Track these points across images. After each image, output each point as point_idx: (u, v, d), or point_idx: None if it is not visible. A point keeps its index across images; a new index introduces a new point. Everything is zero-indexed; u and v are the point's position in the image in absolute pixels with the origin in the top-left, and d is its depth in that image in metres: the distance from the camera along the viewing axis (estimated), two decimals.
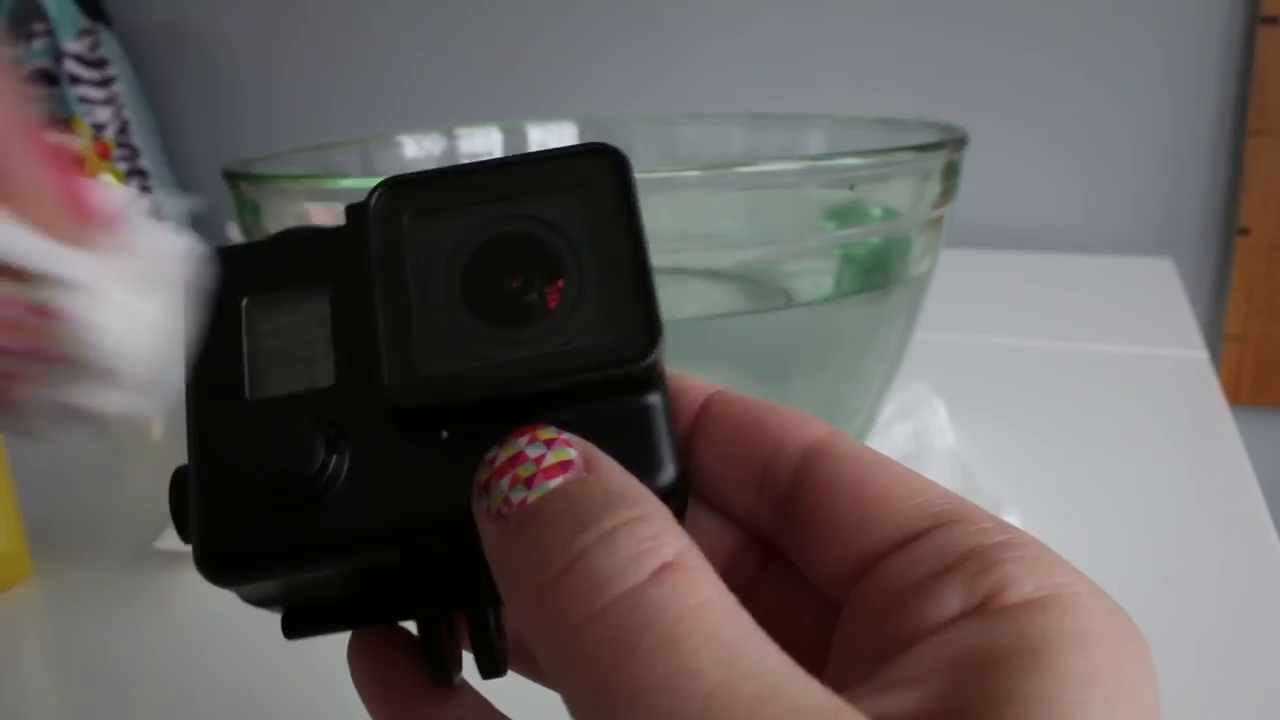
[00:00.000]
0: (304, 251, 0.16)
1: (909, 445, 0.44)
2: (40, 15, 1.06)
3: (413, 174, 0.16)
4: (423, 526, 0.15)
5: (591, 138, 0.54)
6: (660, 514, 0.13)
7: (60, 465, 0.51)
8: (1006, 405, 0.51)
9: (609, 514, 0.13)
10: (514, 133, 0.53)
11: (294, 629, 0.17)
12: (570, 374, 0.15)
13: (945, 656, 0.13)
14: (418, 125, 0.52)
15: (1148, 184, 0.85)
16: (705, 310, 0.37)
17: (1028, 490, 0.41)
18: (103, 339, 0.12)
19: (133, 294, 0.12)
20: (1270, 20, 0.77)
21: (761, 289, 0.38)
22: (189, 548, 0.42)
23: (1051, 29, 0.84)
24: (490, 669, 0.17)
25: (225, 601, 0.39)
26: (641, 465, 0.15)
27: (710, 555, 0.17)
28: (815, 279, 0.38)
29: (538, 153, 0.16)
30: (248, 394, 0.16)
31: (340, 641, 0.18)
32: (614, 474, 0.14)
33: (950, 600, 0.13)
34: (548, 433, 0.14)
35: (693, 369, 0.36)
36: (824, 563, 0.15)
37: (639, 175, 0.33)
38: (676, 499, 0.15)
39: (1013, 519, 0.37)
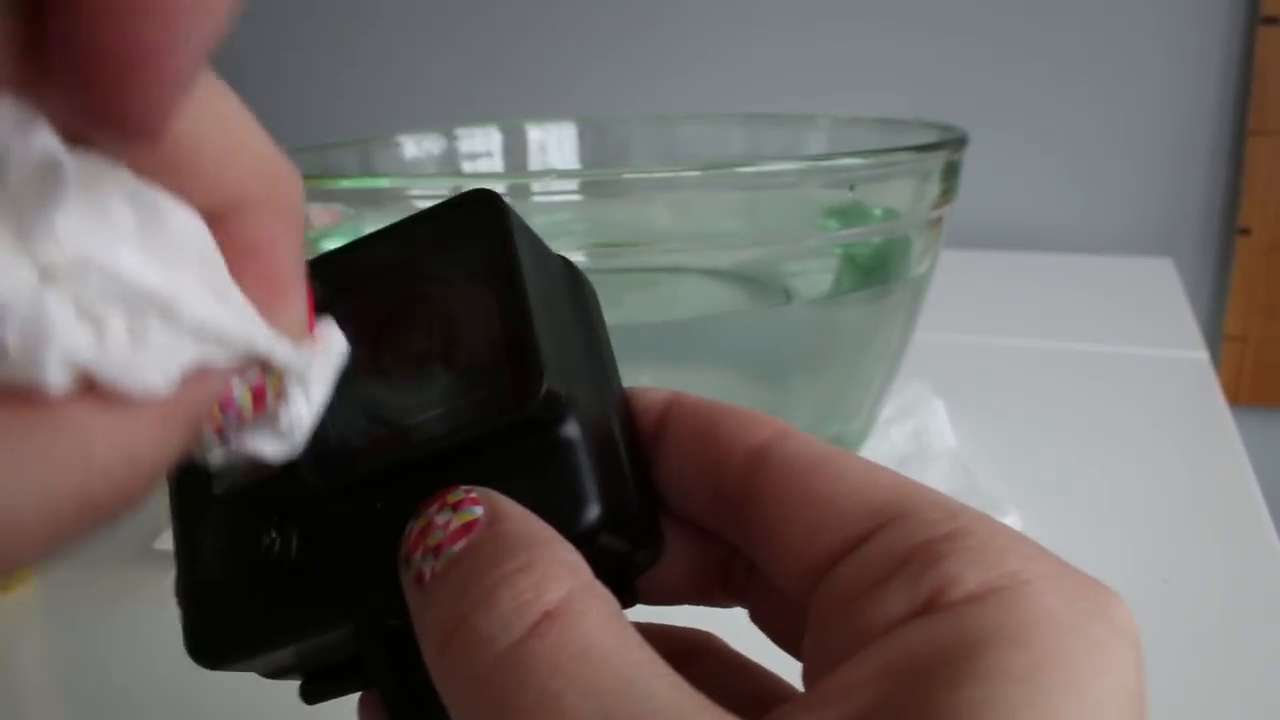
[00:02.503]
0: None
1: (909, 446, 0.44)
2: None
3: (318, 256, 0.17)
4: (363, 598, 0.15)
5: (591, 138, 0.54)
6: (548, 557, 0.13)
7: None
8: (1006, 406, 0.51)
9: (494, 568, 0.13)
10: (513, 133, 0.53)
11: (311, 695, 0.18)
12: (465, 429, 0.15)
13: (882, 663, 0.12)
14: (418, 125, 0.52)
15: (1147, 184, 0.85)
16: (705, 310, 0.37)
17: (1027, 491, 0.41)
18: (298, 414, 0.14)
19: (323, 381, 0.14)
20: (1270, 20, 0.77)
21: (761, 289, 0.38)
22: None
23: (1051, 29, 0.84)
24: None
25: None
26: (562, 506, 0.15)
27: (696, 563, 0.17)
28: (815, 279, 0.38)
29: (425, 212, 0.16)
30: (215, 489, 0.16)
31: None
32: (514, 524, 0.14)
33: (895, 603, 0.13)
34: (455, 495, 0.14)
35: (692, 369, 0.36)
36: (782, 572, 0.15)
37: (638, 175, 0.33)
38: (618, 531, 0.15)
39: (1012, 519, 0.37)
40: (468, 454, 0.15)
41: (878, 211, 0.37)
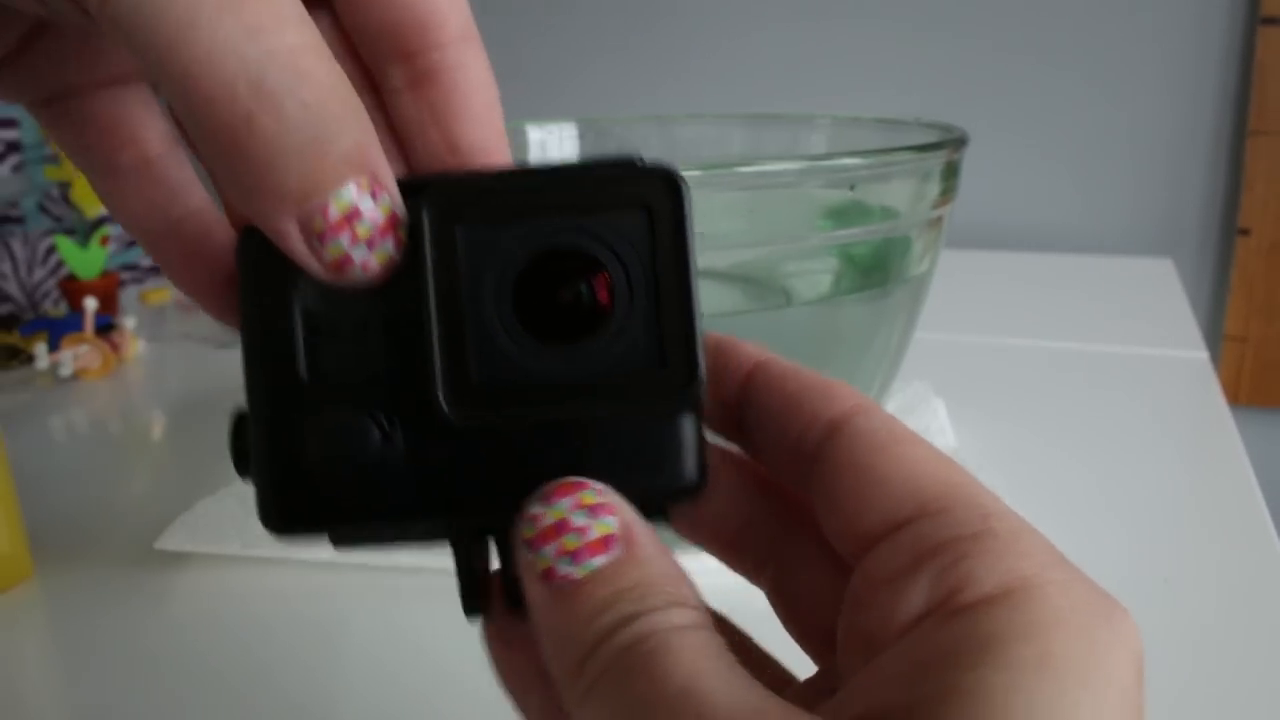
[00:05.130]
0: None
1: None
2: None
3: (465, 178, 0.17)
4: (459, 512, 0.17)
5: (592, 138, 0.54)
6: (692, 600, 0.15)
7: (60, 465, 0.51)
8: (1006, 405, 0.51)
9: (634, 600, 0.14)
10: (513, 133, 0.53)
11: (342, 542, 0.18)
12: (612, 402, 0.16)
13: (906, 660, 0.13)
14: None
15: (1147, 184, 0.85)
16: (704, 310, 0.37)
17: (1028, 490, 0.40)
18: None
19: None
20: (1270, 21, 0.77)
21: (761, 289, 0.38)
22: (188, 548, 0.41)
23: (1052, 30, 0.84)
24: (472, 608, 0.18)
25: (224, 602, 0.39)
26: (666, 473, 0.16)
27: (733, 519, 0.18)
28: (815, 279, 0.38)
29: (594, 165, 0.17)
30: (303, 372, 0.17)
31: (332, 649, 0.18)
32: (650, 558, 0.15)
33: (916, 598, 0.14)
34: (590, 496, 0.15)
35: None
36: (835, 541, 0.16)
37: None
38: (697, 494, 0.17)
39: None
40: (604, 418, 0.16)
41: (878, 211, 0.37)
